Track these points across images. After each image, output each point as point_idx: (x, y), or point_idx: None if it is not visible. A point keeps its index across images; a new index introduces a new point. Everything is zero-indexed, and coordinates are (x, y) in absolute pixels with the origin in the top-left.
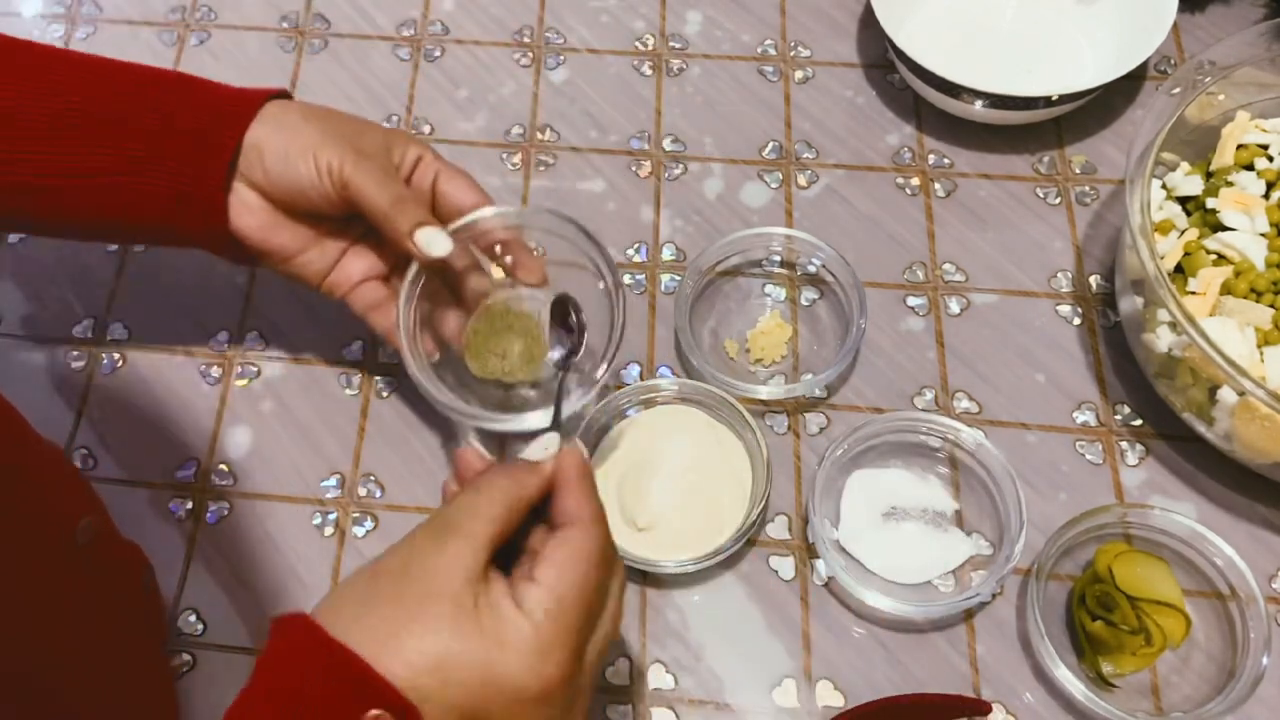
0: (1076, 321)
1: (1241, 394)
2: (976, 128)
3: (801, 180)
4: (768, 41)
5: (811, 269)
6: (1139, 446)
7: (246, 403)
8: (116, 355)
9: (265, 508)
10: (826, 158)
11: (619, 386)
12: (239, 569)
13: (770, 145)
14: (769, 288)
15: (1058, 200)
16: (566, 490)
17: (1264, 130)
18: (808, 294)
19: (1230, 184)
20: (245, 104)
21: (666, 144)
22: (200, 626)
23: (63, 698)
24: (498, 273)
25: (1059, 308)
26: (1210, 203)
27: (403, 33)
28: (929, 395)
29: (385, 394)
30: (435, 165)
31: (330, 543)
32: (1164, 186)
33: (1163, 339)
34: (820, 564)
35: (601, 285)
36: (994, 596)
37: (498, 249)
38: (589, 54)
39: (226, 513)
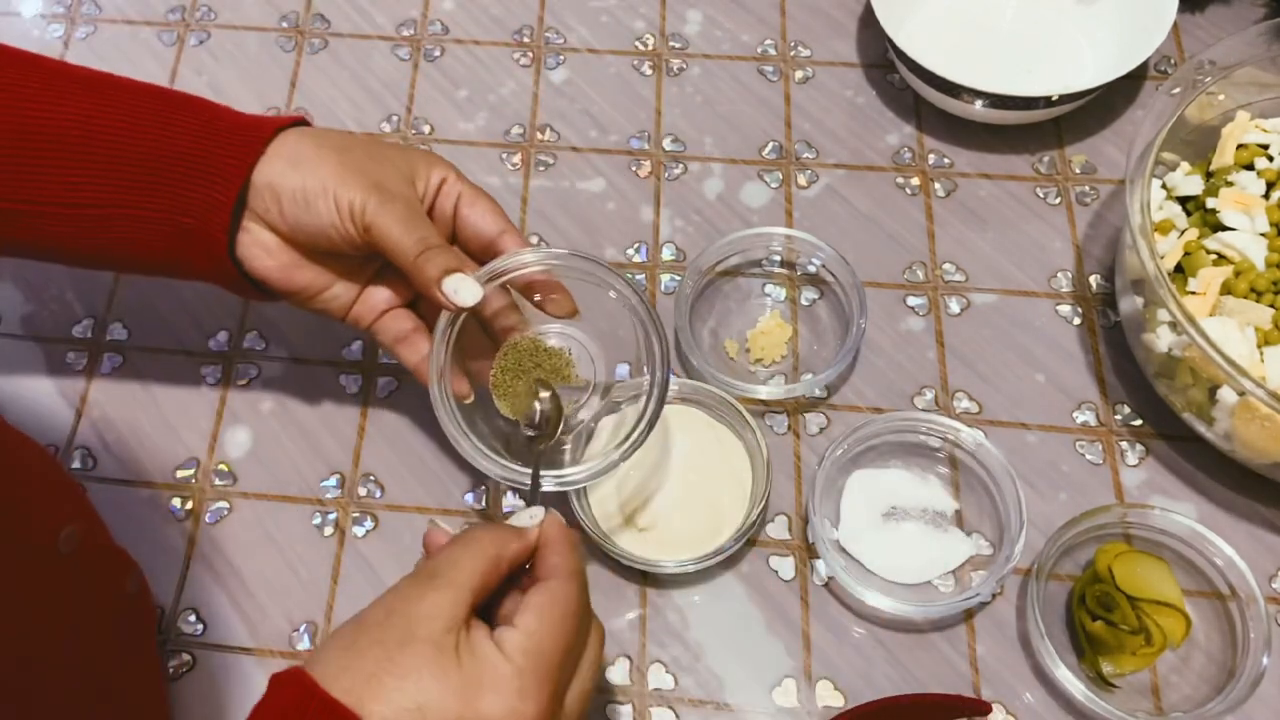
0: (1076, 321)
1: (1241, 394)
2: (976, 128)
3: (801, 180)
4: (768, 41)
5: (811, 269)
6: (1139, 446)
7: (246, 403)
8: (117, 355)
9: (265, 508)
10: (826, 157)
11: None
12: (239, 569)
13: (770, 145)
14: (769, 288)
15: (1058, 200)
16: (549, 548)
17: (1264, 130)
18: (808, 294)
19: (1230, 184)
20: (255, 133)
21: (666, 144)
22: (200, 626)
23: (43, 704)
24: (526, 306)
25: (1059, 308)
26: (1210, 203)
27: (402, 33)
28: (929, 395)
29: (385, 394)
30: (458, 188)
31: (330, 543)
32: (1164, 186)
33: (1163, 339)
34: (820, 564)
35: (638, 326)
36: (994, 596)
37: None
38: (589, 54)
39: (226, 513)
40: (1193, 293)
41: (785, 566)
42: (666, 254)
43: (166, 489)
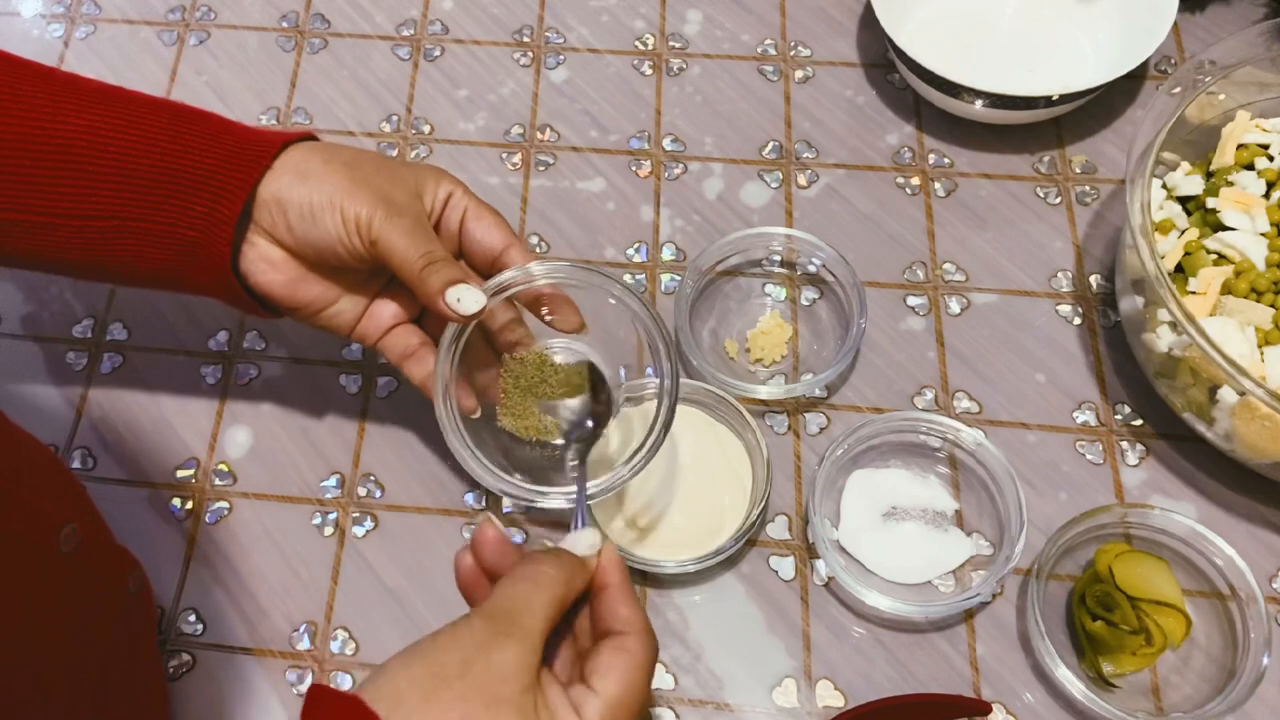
0: (1077, 321)
1: (1242, 394)
2: (977, 127)
3: (801, 180)
4: (768, 41)
5: (811, 269)
6: (1139, 446)
7: (246, 403)
8: (117, 355)
9: (265, 508)
10: (826, 157)
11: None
12: (239, 569)
13: (770, 145)
14: (769, 287)
15: (1058, 200)
16: (619, 596)
17: (1264, 130)
18: (808, 294)
19: (1230, 184)
20: (262, 147)
21: (666, 144)
22: (200, 626)
23: (43, 704)
24: (532, 320)
25: (1059, 307)
26: (1210, 202)
27: (402, 32)
28: (929, 395)
29: (385, 394)
30: (464, 202)
31: (330, 542)
32: (1164, 186)
33: (1163, 339)
34: (820, 564)
35: (642, 336)
36: (994, 596)
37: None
38: (589, 53)
39: (226, 512)
40: (1193, 293)
41: (785, 566)
42: (666, 254)
43: (166, 489)
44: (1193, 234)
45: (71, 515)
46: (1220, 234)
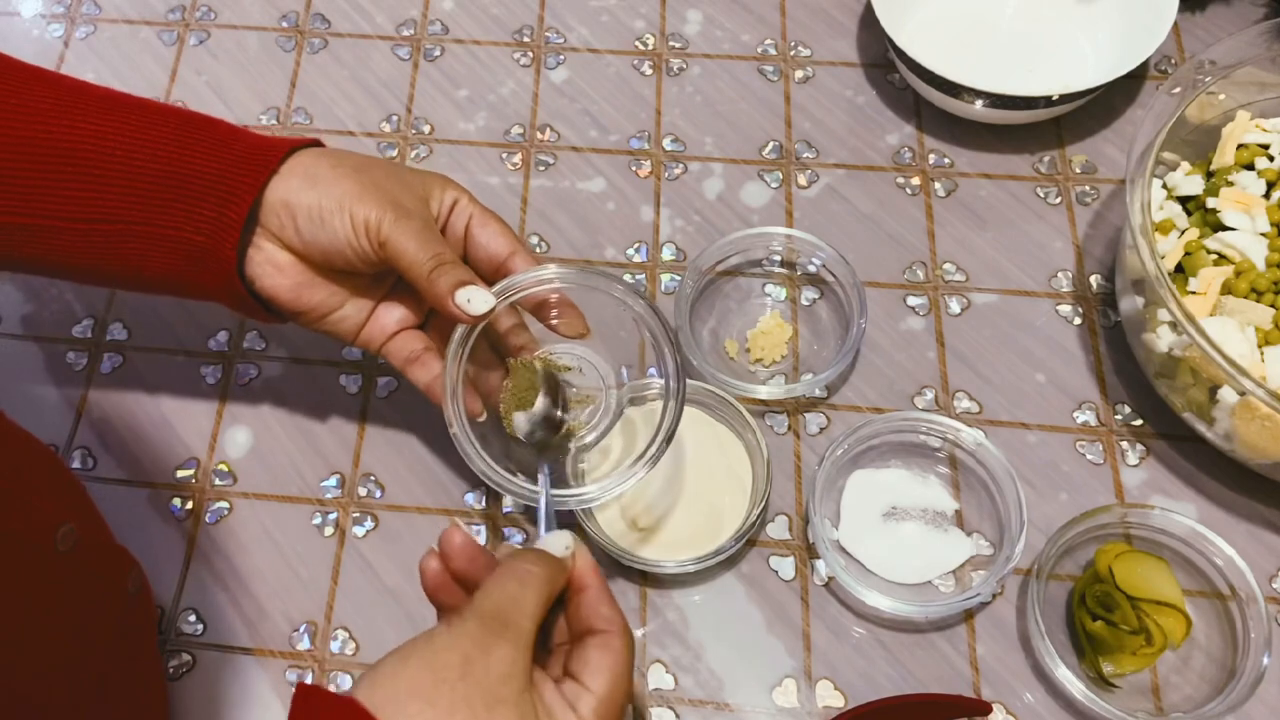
0: (1077, 321)
1: (1242, 394)
2: (977, 127)
3: (801, 180)
4: (768, 41)
5: (811, 269)
6: (1139, 446)
7: (246, 403)
8: (117, 355)
9: (265, 507)
10: (826, 157)
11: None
12: (239, 569)
13: (770, 145)
14: (769, 287)
15: (1058, 200)
16: (600, 596)
17: (1264, 130)
18: (808, 294)
19: (1231, 184)
20: (269, 152)
21: (666, 144)
22: (200, 626)
23: (43, 703)
24: (537, 326)
25: (1059, 307)
26: (1211, 202)
27: (402, 32)
28: (929, 395)
29: (385, 394)
30: (469, 209)
31: (330, 542)
32: (1164, 186)
33: (1163, 339)
34: (820, 564)
35: (648, 339)
36: (994, 596)
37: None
38: (589, 53)
39: (226, 512)
40: (1193, 292)
41: (785, 566)
42: (666, 254)
43: (166, 489)
44: (1193, 234)
45: (69, 515)
46: (1220, 234)
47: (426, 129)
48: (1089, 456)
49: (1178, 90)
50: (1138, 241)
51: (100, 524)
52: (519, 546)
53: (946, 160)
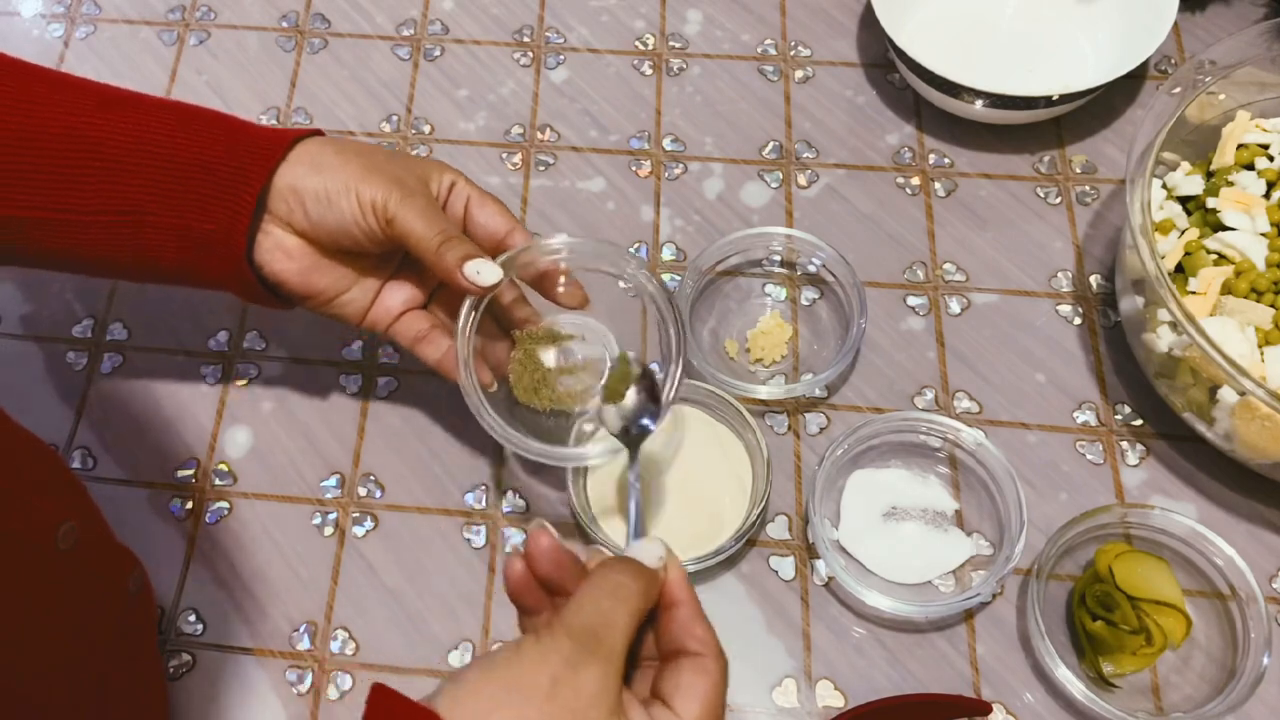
0: (1077, 321)
1: (1242, 394)
2: (977, 127)
3: (801, 180)
4: (768, 41)
5: (811, 269)
6: (1139, 446)
7: (246, 403)
8: (117, 355)
9: (265, 508)
10: (826, 157)
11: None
12: (239, 569)
13: (770, 145)
14: (769, 287)
15: (1058, 200)
16: (693, 615)
17: (1264, 130)
18: (808, 294)
19: (1231, 184)
20: (275, 141)
21: (666, 144)
22: (200, 626)
23: (43, 703)
24: (538, 298)
25: (1059, 307)
26: (1211, 202)
27: (402, 32)
28: (929, 395)
29: (385, 394)
30: (467, 191)
31: (330, 542)
32: (1164, 186)
33: (1163, 339)
34: (820, 564)
35: (653, 312)
36: (994, 596)
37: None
38: (589, 53)
39: (226, 513)
40: (1193, 293)
41: (785, 566)
42: (666, 254)
43: (166, 489)
44: (1193, 234)
45: (70, 514)
46: (1220, 234)
47: (426, 129)
48: (1089, 456)
49: (1178, 90)
50: (1138, 241)
51: (101, 523)
52: (607, 552)
53: (946, 160)
